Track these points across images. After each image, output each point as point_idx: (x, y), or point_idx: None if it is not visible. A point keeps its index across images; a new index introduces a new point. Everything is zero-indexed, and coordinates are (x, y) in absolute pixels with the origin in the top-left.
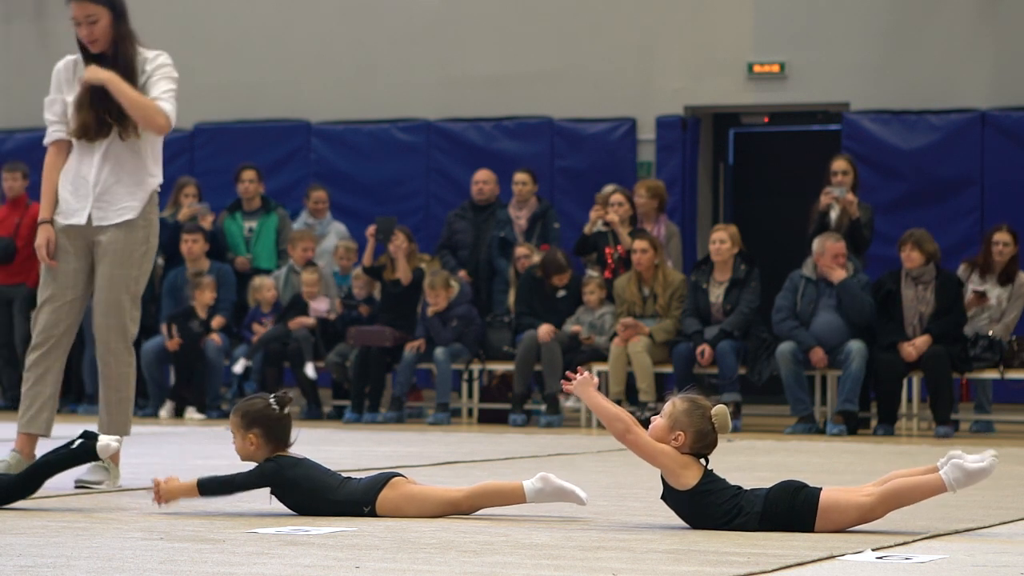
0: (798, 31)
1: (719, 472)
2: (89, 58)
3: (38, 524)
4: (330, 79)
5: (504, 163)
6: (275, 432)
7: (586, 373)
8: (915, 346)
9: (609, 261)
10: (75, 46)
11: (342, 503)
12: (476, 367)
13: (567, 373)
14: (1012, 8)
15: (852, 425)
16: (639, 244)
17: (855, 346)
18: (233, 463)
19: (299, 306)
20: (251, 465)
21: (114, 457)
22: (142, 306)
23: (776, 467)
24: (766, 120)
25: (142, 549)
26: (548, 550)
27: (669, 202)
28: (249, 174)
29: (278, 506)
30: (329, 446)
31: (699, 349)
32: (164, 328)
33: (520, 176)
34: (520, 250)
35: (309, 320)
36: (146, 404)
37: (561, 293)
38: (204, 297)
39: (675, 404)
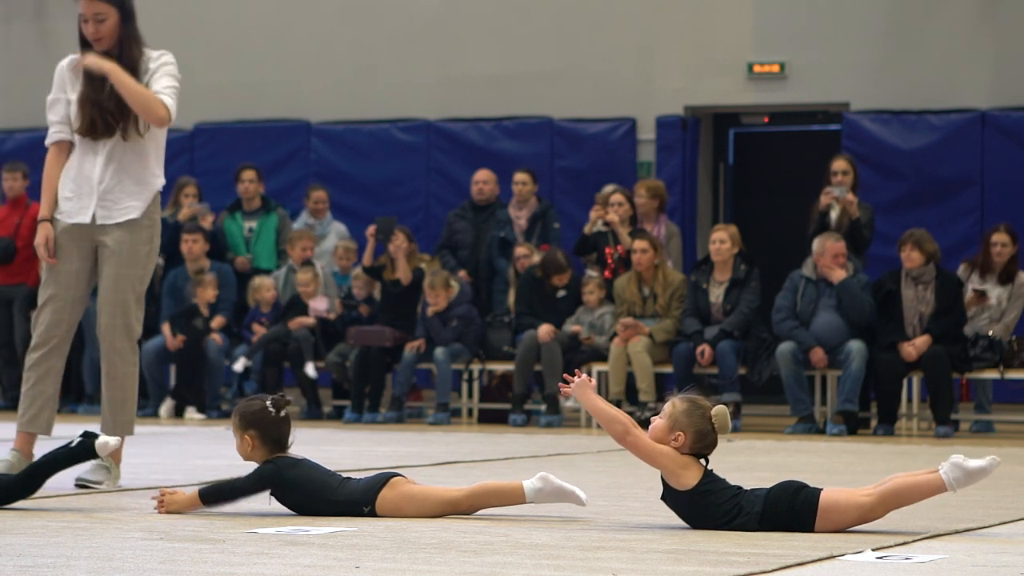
0: (798, 31)
1: (719, 472)
2: None
3: (38, 524)
4: (330, 79)
5: (504, 163)
6: (271, 434)
7: (584, 375)
8: (915, 346)
9: (609, 261)
10: (76, 46)
11: (342, 503)
12: (476, 367)
13: (565, 376)
14: (1012, 8)
15: (852, 425)
16: (639, 244)
17: (855, 346)
18: (234, 463)
19: (298, 306)
20: (251, 466)
21: (115, 456)
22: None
23: (776, 467)
24: (766, 120)
25: (142, 549)
26: (548, 550)
27: (669, 202)
28: (249, 174)
29: (278, 506)
30: (329, 446)
31: (699, 349)
32: (166, 328)
33: (520, 176)
34: (519, 250)
35: (309, 320)
36: (146, 404)
37: (561, 293)
38: (206, 294)
39: (675, 404)
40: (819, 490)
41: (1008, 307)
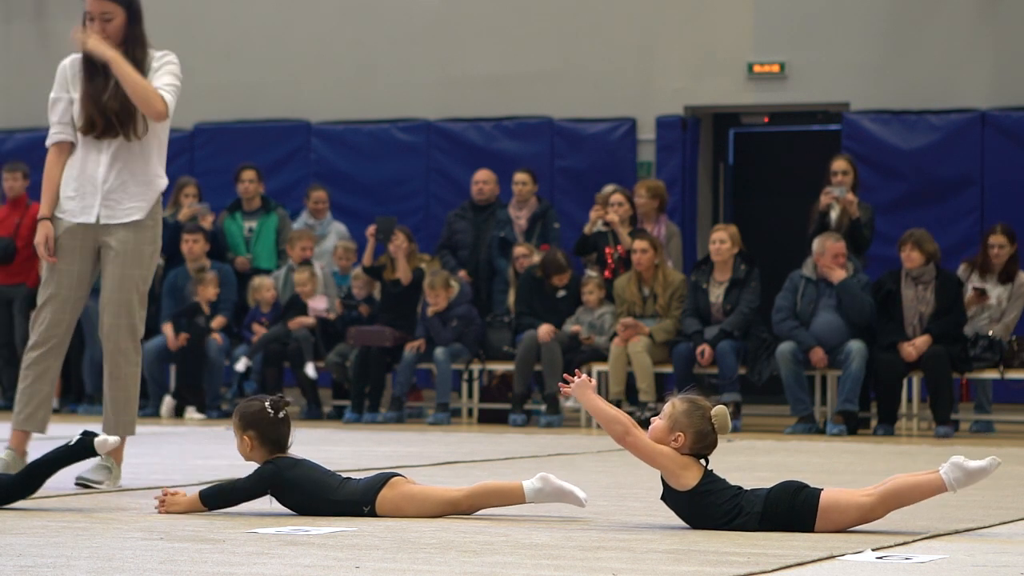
0: (798, 31)
1: (719, 472)
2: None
3: (38, 524)
4: (330, 79)
5: (504, 163)
6: (270, 435)
7: (584, 375)
8: (915, 346)
9: (609, 261)
10: (76, 46)
11: (342, 503)
12: (476, 367)
13: (565, 376)
14: (1012, 8)
15: (852, 425)
16: (639, 244)
17: (855, 346)
18: (234, 463)
19: (298, 306)
20: (251, 466)
21: (116, 455)
22: None
23: (776, 467)
24: (766, 120)
25: (142, 549)
26: (548, 550)
27: (669, 202)
28: (249, 174)
29: (278, 506)
30: (329, 446)
31: (699, 349)
32: (168, 328)
33: (520, 176)
34: (519, 250)
35: (309, 320)
36: (146, 404)
37: (561, 293)
38: (207, 292)
39: (675, 405)
40: (819, 490)
41: (1008, 307)
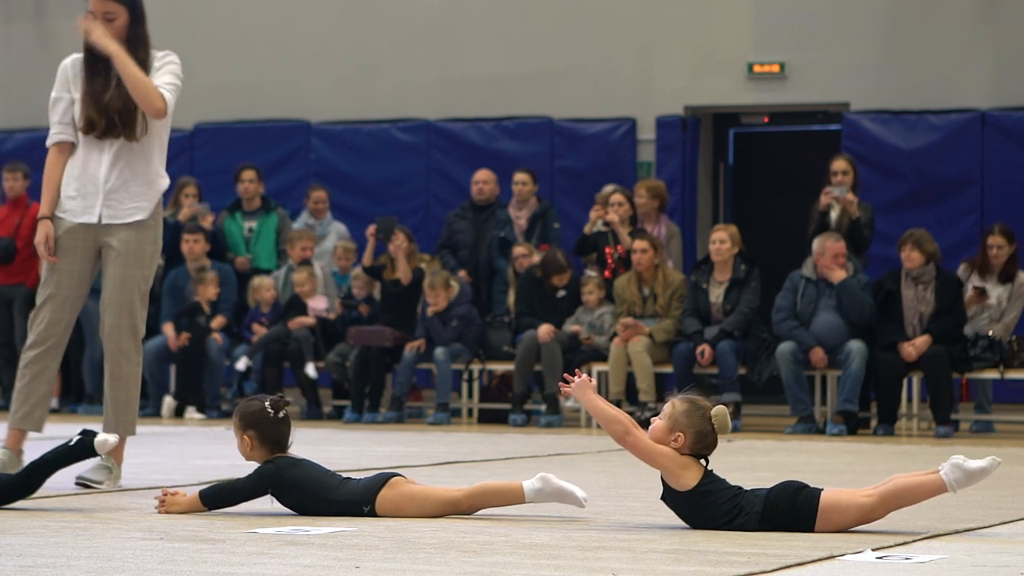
0: (798, 31)
1: (719, 472)
2: (94, 57)
3: (38, 524)
4: (330, 79)
5: (504, 163)
6: (270, 434)
7: (584, 375)
8: (915, 346)
9: (609, 261)
10: (77, 46)
11: (342, 503)
12: (476, 367)
13: (565, 375)
14: (1012, 8)
15: (852, 425)
16: (639, 244)
17: (855, 346)
18: (234, 463)
19: (298, 306)
20: (251, 465)
21: (117, 455)
22: None
23: (776, 467)
24: (766, 120)
25: (142, 549)
26: (548, 550)
27: (669, 202)
28: (249, 174)
29: (278, 506)
30: (329, 446)
31: (699, 349)
32: (168, 328)
33: (520, 176)
34: (519, 250)
35: (309, 320)
36: (147, 404)
37: (561, 293)
38: (208, 292)
39: (674, 405)
40: (819, 490)
41: (1008, 307)
